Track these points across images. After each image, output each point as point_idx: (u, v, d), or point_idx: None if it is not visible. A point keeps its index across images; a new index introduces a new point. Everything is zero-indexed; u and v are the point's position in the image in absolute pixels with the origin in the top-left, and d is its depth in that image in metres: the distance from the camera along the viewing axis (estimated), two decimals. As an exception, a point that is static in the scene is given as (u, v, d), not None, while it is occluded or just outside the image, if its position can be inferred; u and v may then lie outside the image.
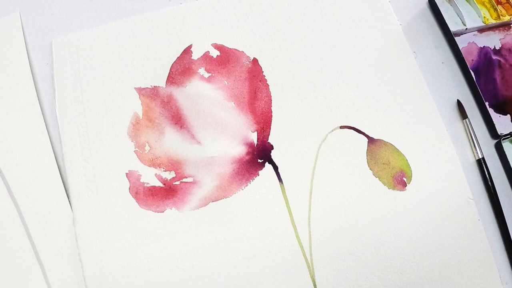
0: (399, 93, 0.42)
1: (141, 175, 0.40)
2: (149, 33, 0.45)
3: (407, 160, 0.39)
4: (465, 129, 0.41)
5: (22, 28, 0.47)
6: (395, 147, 0.40)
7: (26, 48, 0.46)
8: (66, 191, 0.40)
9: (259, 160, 0.40)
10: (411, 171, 0.39)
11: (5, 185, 0.41)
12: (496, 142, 0.41)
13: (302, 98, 0.42)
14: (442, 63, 0.44)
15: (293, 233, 0.37)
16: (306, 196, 0.38)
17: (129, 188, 0.39)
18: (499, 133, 0.40)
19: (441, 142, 0.40)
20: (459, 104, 0.42)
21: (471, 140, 0.40)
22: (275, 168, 0.39)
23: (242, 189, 0.39)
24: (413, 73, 0.43)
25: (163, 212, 0.38)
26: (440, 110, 0.41)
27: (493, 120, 0.40)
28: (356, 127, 0.41)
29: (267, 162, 0.40)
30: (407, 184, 0.39)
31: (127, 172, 0.40)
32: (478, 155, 0.40)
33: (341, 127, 0.41)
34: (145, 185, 0.39)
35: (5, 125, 0.43)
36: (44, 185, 0.40)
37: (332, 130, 0.41)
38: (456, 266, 0.37)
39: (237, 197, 0.39)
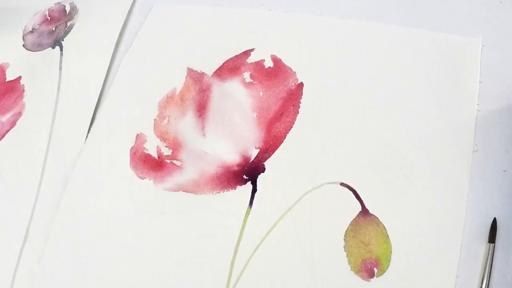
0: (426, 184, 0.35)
1: (146, 141, 0.42)
2: (227, 26, 0.47)
3: (391, 252, 0.33)
4: (485, 253, 0.32)
5: None
6: (386, 233, 0.34)
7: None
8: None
9: (244, 176, 0.38)
10: (388, 265, 0.33)
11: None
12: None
13: (321, 138, 0.39)
14: (504, 171, 0.35)
15: (230, 258, 0.35)
16: (263, 234, 0.35)
17: (132, 147, 0.42)
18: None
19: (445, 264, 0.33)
20: (493, 224, 0.33)
21: (484, 269, 0.32)
22: (254, 190, 0.38)
23: (213, 194, 0.38)
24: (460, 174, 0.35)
25: (142, 179, 0.40)
26: (467, 224, 0.34)
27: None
28: (357, 190, 0.36)
29: (250, 182, 0.38)
30: (374, 277, 0.33)
31: (139, 133, 0.43)
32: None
33: (342, 184, 0.36)
34: (144, 150, 0.42)
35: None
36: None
37: (331, 183, 0.37)
38: None
39: (203, 198, 0.38)
